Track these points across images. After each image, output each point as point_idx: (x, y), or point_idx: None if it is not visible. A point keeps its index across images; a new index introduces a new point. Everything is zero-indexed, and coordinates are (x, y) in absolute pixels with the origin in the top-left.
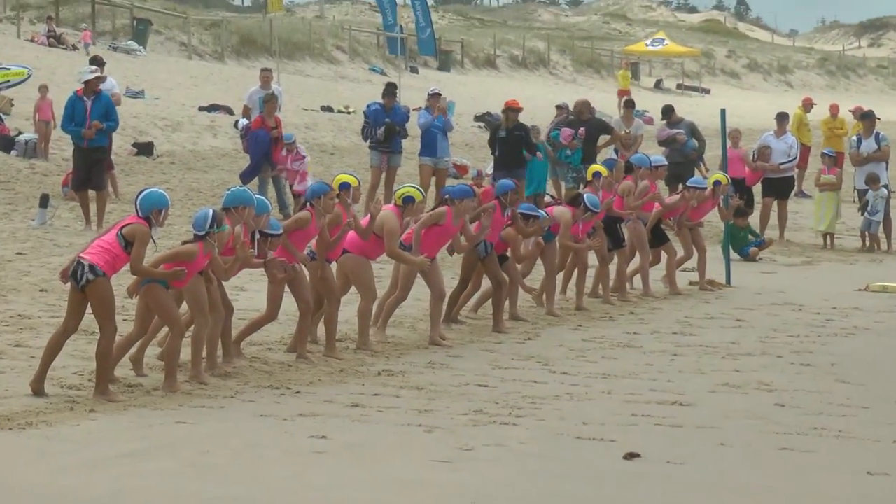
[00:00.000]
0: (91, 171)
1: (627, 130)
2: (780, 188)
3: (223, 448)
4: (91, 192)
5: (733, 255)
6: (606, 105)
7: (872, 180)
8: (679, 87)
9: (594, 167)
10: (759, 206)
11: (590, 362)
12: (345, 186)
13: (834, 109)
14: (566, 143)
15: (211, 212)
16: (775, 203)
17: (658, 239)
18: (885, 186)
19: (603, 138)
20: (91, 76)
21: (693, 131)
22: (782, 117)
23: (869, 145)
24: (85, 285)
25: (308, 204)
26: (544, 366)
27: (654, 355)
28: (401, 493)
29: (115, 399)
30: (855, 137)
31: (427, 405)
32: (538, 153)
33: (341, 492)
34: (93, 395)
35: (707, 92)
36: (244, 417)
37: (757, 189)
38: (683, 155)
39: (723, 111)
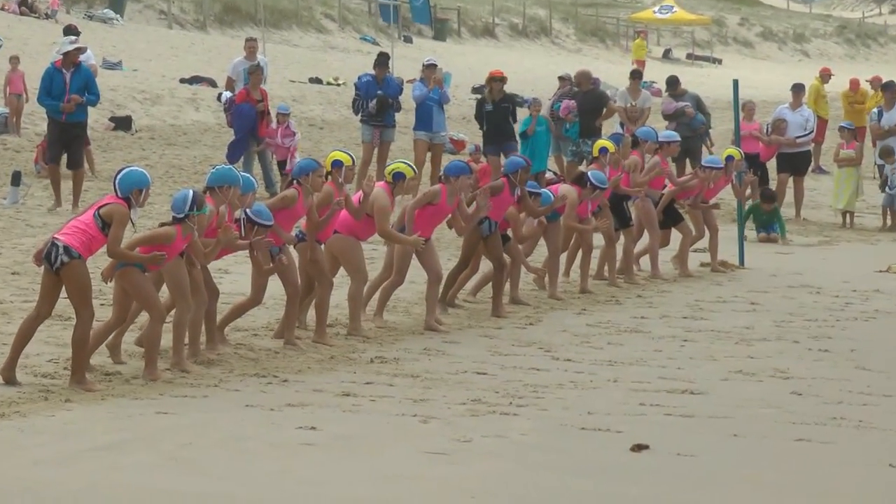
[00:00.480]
0: (69, 148)
1: (633, 103)
2: (796, 164)
3: (206, 440)
4: (65, 170)
5: (748, 234)
6: (612, 76)
7: (887, 153)
8: (689, 56)
9: (600, 142)
10: (774, 182)
11: (595, 348)
12: (337, 164)
13: (854, 84)
14: (564, 117)
15: (191, 193)
16: (791, 180)
17: (671, 219)
18: None
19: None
20: (71, 47)
21: (698, 104)
22: (798, 89)
23: (890, 118)
24: (59, 268)
25: (295, 182)
26: (547, 352)
27: (664, 341)
28: (395, 487)
29: (93, 388)
30: (875, 110)
31: (422, 394)
32: (539, 127)
33: (332, 487)
34: (68, 383)
35: (719, 62)
36: (229, 408)
37: (772, 165)
38: (692, 129)
39: (735, 82)
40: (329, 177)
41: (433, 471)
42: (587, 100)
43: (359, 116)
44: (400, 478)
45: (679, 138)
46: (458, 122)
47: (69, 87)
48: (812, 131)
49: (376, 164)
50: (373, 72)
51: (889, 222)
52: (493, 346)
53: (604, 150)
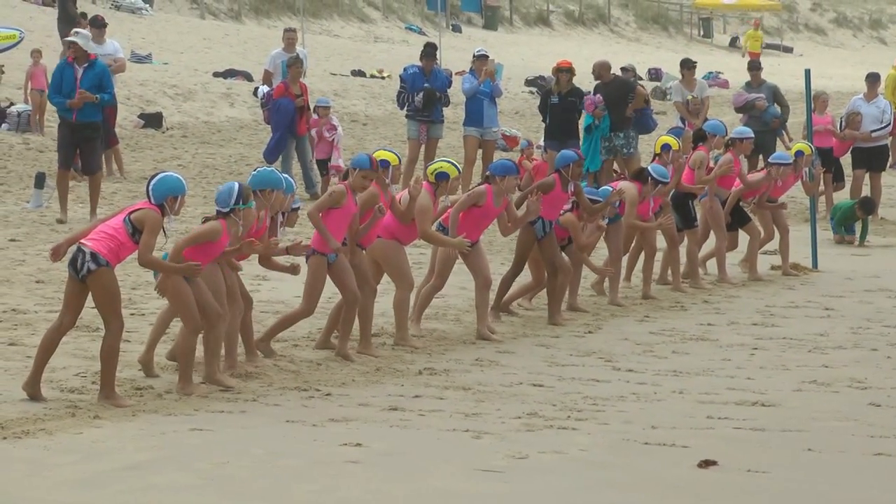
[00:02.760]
0: (83, 152)
1: (693, 95)
2: (872, 159)
3: (244, 458)
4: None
5: (821, 234)
6: (674, 66)
7: None
8: None
9: (663, 139)
10: (850, 179)
11: (658, 358)
12: (383, 164)
13: None
14: (590, 113)
15: (237, 185)
16: (867, 176)
17: (739, 220)
18: None
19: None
20: (79, 39)
21: (775, 95)
22: (873, 79)
23: None
24: (85, 275)
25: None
26: (607, 362)
27: (732, 349)
28: None
29: (123, 404)
30: None
31: (475, 408)
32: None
33: None
34: (97, 398)
35: (789, 50)
36: (268, 423)
37: (846, 161)
38: (763, 123)
39: (807, 72)
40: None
41: (487, 489)
42: (611, 91)
43: (404, 111)
44: (450, 496)
45: (752, 134)
46: (510, 116)
47: (80, 84)
48: (889, 124)
49: (423, 162)
50: (419, 63)
51: None
52: (550, 356)
53: (666, 146)
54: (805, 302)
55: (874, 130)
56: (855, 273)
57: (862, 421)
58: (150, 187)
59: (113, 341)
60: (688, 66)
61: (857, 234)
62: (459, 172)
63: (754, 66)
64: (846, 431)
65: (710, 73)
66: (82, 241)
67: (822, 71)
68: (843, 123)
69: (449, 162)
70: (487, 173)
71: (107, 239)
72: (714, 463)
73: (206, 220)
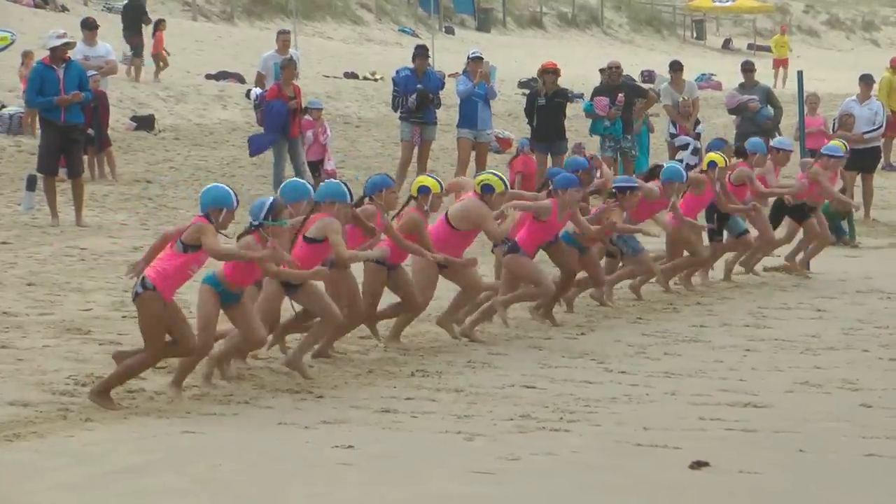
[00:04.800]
0: (69, 155)
1: (684, 97)
2: (864, 160)
3: (237, 461)
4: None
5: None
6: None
7: None
8: (750, 46)
9: (710, 156)
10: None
11: (651, 359)
12: (424, 191)
13: None
14: (604, 114)
15: (269, 200)
16: (859, 177)
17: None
18: None
19: (641, 103)
20: (58, 42)
21: (769, 97)
22: (867, 80)
23: None
24: (133, 298)
25: (368, 198)
26: (600, 364)
27: (724, 351)
28: None
29: (114, 407)
30: None
31: (467, 410)
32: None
33: None
34: (88, 395)
35: None
36: (261, 426)
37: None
38: (756, 124)
39: (800, 73)
40: (414, 202)
41: (479, 491)
42: (627, 92)
43: (398, 113)
44: (443, 499)
45: (791, 147)
46: (503, 118)
47: (64, 86)
48: (881, 126)
49: (417, 164)
50: (412, 65)
51: None
52: (543, 357)
53: (712, 164)
54: (797, 303)
55: (866, 132)
56: (847, 275)
57: (854, 422)
58: (200, 197)
59: (139, 364)
60: (676, 67)
61: (847, 236)
62: (442, 189)
63: (747, 68)
64: (838, 432)
65: (703, 74)
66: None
67: (815, 73)
68: (836, 125)
69: (496, 176)
70: (550, 188)
71: (159, 261)
72: (706, 464)
73: (240, 236)
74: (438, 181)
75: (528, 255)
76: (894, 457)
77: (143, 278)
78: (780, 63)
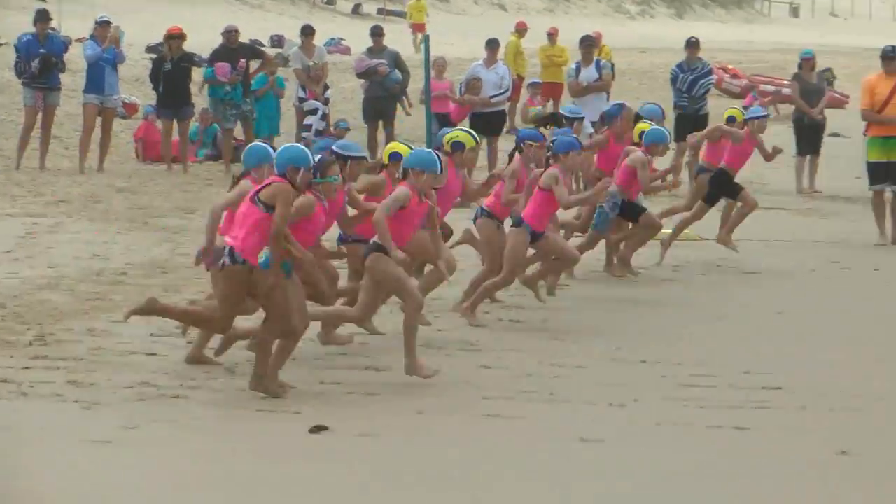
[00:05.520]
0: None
1: (314, 62)
2: (491, 124)
3: None
4: None
5: None
6: (297, 34)
7: None
8: (380, 11)
9: (730, 111)
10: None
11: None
12: (395, 157)
13: (553, 34)
14: (226, 80)
15: (319, 157)
16: (484, 140)
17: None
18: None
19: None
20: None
21: (396, 61)
22: (492, 45)
23: (589, 74)
24: (220, 269)
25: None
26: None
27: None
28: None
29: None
30: (573, 65)
31: (87, 378)
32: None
33: None
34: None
35: (404, 16)
36: None
37: (465, 125)
38: (385, 88)
39: (426, 38)
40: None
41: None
42: (245, 55)
43: (21, 79)
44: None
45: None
46: (130, 83)
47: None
48: (508, 90)
49: (41, 130)
50: (34, 30)
51: None
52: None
53: (732, 117)
54: None
55: (493, 96)
56: None
57: (473, 383)
58: (274, 158)
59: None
60: (307, 32)
61: None
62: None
63: (376, 32)
64: (460, 392)
65: (333, 39)
66: (226, 238)
67: (444, 37)
68: (464, 89)
69: (464, 131)
70: (549, 153)
71: (242, 230)
72: (325, 428)
73: (233, 185)
74: (409, 146)
75: (540, 231)
76: (511, 417)
77: (232, 251)
78: (419, 28)
